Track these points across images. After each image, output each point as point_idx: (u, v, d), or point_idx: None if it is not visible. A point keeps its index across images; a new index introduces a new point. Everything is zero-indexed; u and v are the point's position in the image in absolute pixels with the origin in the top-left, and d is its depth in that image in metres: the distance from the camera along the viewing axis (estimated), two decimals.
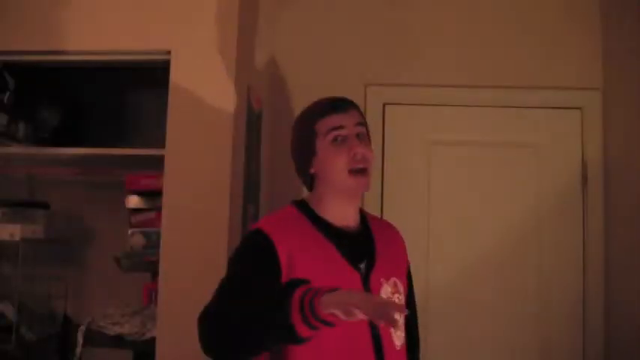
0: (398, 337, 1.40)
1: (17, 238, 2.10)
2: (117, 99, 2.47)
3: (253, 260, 1.31)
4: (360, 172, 1.37)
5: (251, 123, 1.98)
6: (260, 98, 2.16)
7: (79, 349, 1.85)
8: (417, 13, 2.50)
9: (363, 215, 1.51)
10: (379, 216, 2.18)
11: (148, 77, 1.99)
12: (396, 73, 2.47)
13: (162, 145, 1.76)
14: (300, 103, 2.45)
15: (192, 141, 1.75)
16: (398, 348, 1.40)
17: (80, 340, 1.85)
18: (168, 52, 1.78)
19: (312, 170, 1.42)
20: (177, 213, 1.73)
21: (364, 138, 1.41)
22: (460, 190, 2.41)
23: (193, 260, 1.70)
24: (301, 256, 1.31)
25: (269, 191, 2.40)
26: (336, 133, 1.37)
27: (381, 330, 1.34)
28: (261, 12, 2.23)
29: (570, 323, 2.32)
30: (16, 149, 2.11)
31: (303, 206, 1.44)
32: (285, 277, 1.27)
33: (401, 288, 1.46)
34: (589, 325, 2.29)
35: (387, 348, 1.36)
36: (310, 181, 1.45)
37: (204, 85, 1.76)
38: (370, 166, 1.40)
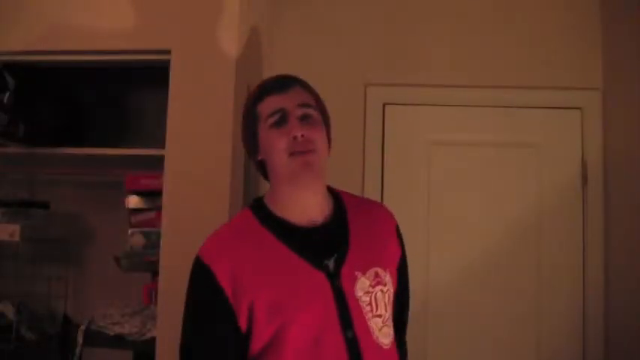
0: (384, 335, 1.29)
1: (17, 238, 2.10)
2: (117, 99, 2.48)
3: (201, 307, 1.26)
4: (302, 154, 1.25)
5: None
6: None
7: (79, 349, 1.85)
8: (416, 14, 2.50)
9: (339, 201, 1.39)
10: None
11: (148, 77, 1.99)
12: (396, 73, 2.47)
13: (162, 145, 1.76)
14: None
15: (192, 141, 1.75)
16: (386, 347, 1.29)
17: (80, 340, 1.86)
18: (168, 52, 1.78)
19: (259, 157, 1.34)
20: (177, 213, 1.73)
21: (310, 119, 1.30)
22: (460, 190, 2.40)
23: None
24: (248, 275, 1.22)
25: None
26: (274, 116, 1.28)
27: (357, 332, 1.23)
28: (261, 12, 2.23)
29: (570, 323, 2.31)
30: (16, 149, 2.11)
31: (258, 207, 1.33)
32: (235, 307, 1.21)
33: (386, 277, 1.32)
34: (589, 325, 2.29)
35: (367, 351, 1.24)
36: (263, 170, 1.37)
37: (204, 85, 1.76)
38: (315, 148, 1.27)
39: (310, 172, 1.27)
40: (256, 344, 1.23)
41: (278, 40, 2.50)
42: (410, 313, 1.51)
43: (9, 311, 2.17)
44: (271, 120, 1.29)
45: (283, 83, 1.34)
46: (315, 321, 1.22)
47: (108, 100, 2.48)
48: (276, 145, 1.27)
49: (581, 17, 2.44)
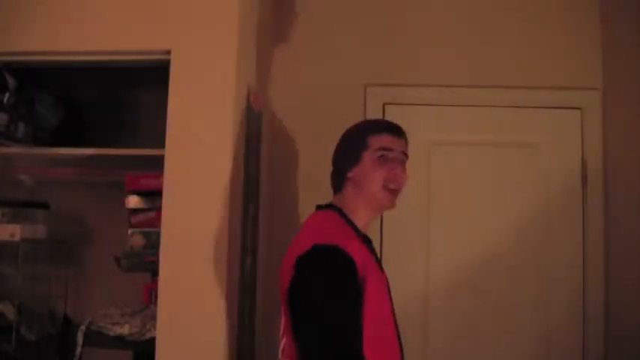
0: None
1: (17, 238, 2.10)
2: (117, 99, 2.47)
3: (348, 287, 1.37)
4: (392, 191, 1.53)
5: (251, 123, 1.98)
6: (260, 98, 2.16)
7: (78, 350, 1.85)
8: (417, 14, 2.50)
9: None
10: (379, 217, 2.19)
11: (148, 77, 1.99)
12: (396, 73, 2.47)
13: (162, 145, 1.76)
14: (300, 104, 2.48)
15: (192, 141, 1.74)
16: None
17: (80, 340, 1.85)
18: (168, 52, 1.78)
19: (349, 175, 1.54)
20: (177, 213, 1.72)
21: (404, 166, 1.57)
22: (460, 190, 2.41)
23: (193, 260, 1.70)
24: (363, 261, 1.41)
25: (269, 191, 2.40)
26: (384, 152, 1.51)
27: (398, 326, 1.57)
28: (261, 12, 2.23)
29: (570, 323, 2.32)
30: (16, 149, 2.11)
31: (339, 211, 1.55)
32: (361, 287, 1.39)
33: None
34: (589, 324, 2.29)
35: (399, 340, 1.54)
36: (341, 184, 1.57)
37: (204, 85, 1.76)
38: (401, 191, 1.56)
39: (392, 207, 1.57)
40: None
41: (278, 41, 2.50)
42: None
43: (9, 311, 2.17)
44: (380, 153, 1.52)
45: (398, 130, 1.58)
46: (389, 313, 1.51)
47: (108, 100, 2.48)
48: (377, 175, 1.51)
49: (581, 17, 2.44)
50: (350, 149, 1.56)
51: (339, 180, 1.59)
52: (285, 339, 1.50)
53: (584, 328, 2.31)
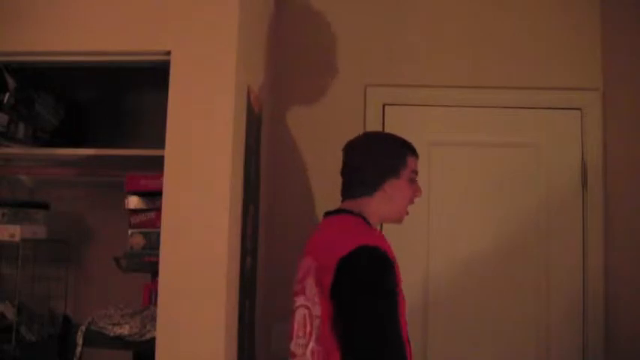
0: None
1: (17, 238, 2.10)
2: (117, 99, 2.48)
3: (393, 286, 1.46)
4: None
5: (251, 123, 1.98)
6: (260, 99, 2.16)
7: (78, 350, 1.85)
8: (416, 14, 2.50)
9: None
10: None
11: (148, 77, 1.99)
12: (396, 74, 2.47)
13: (162, 146, 1.76)
14: (300, 104, 2.48)
15: (192, 141, 1.74)
16: None
17: (80, 340, 1.85)
18: (168, 53, 1.77)
19: (384, 185, 1.62)
20: (177, 213, 1.72)
21: None
22: (460, 191, 2.41)
23: (193, 261, 1.69)
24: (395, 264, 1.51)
25: (269, 191, 2.40)
26: (415, 175, 1.66)
27: None
28: (261, 12, 2.23)
29: (570, 322, 2.32)
30: (16, 149, 2.11)
31: (364, 219, 1.61)
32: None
33: None
34: (589, 324, 2.30)
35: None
36: (370, 191, 1.62)
37: (205, 86, 1.75)
38: None
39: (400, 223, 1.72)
40: None
41: (279, 41, 2.50)
42: None
43: (9, 311, 2.17)
44: (413, 175, 1.66)
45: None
46: (404, 314, 1.55)
47: (108, 101, 2.48)
48: (409, 194, 1.65)
49: (581, 17, 2.45)
50: (389, 162, 1.63)
51: (368, 186, 1.62)
52: (312, 342, 1.50)
53: (584, 328, 2.31)
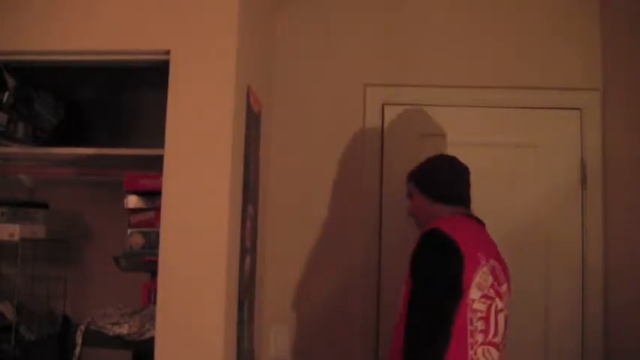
0: None
1: (17, 238, 2.10)
2: (117, 99, 2.48)
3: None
4: None
5: (250, 123, 1.98)
6: (260, 99, 2.16)
7: (78, 349, 1.85)
8: (416, 14, 2.50)
9: None
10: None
11: (148, 77, 1.99)
12: (396, 74, 2.47)
13: (162, 145, 1.76)
14: (300, 104, 2.48)
15: (192, 141, 1.74)
16: None
17: (79, 340, 1.85)
18: (168, 52, 1.77)
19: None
20: (176, 213, 1.72)
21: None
22: None
23: (192, 260, 1.70)
24: None
25: (269, 191, 2.40)
26: None
27: None
28: (261, 12, 2.23)
29: (570, 323, 2.32)
30: (15, 149, 2.11)
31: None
32: None
33: None
34: (588, 324, 2.29)
35: None
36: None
37: (204, 85, 1.76)
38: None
39: None
40: None
41: (279, 41, 2.51)
42: None
43: (9, 311, 2.17)
44: None
45: None
46: None
47: (107, 100, 2.48)
48: None
49: (581, 17, 2.44)
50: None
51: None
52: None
53: (583, 328, 2.30)
